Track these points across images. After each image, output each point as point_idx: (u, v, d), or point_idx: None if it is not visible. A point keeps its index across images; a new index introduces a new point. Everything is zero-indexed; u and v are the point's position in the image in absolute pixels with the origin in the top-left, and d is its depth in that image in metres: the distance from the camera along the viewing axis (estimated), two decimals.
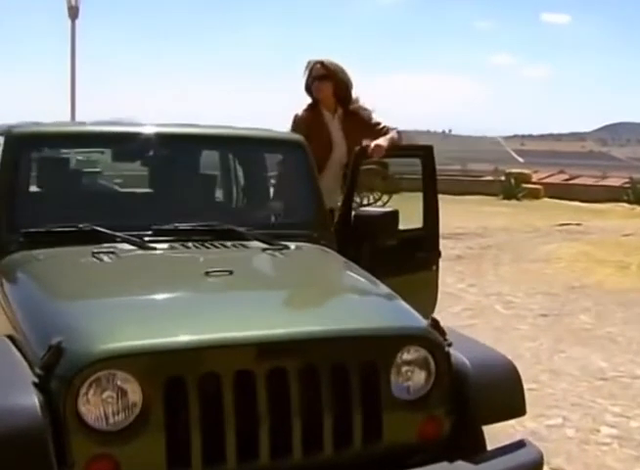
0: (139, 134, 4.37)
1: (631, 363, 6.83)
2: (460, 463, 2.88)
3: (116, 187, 5.70)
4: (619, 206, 24.58)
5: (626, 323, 8.44)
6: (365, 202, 14.40)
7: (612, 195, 26.09)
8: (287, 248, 3.88)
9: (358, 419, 2.82)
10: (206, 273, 3.29)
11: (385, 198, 18.06)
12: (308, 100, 5.33)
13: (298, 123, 5.25)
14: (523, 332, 7.96)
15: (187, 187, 4.44)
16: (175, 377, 2.62)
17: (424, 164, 5.24)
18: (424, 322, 3.10)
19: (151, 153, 4.51)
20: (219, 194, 5.07)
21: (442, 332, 3.09)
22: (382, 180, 15.30)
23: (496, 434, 4.29)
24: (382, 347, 2.94)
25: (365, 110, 5.27)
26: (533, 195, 25.94)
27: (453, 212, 15.04)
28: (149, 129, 4.37)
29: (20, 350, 2.90)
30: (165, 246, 3.78)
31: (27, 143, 4.18)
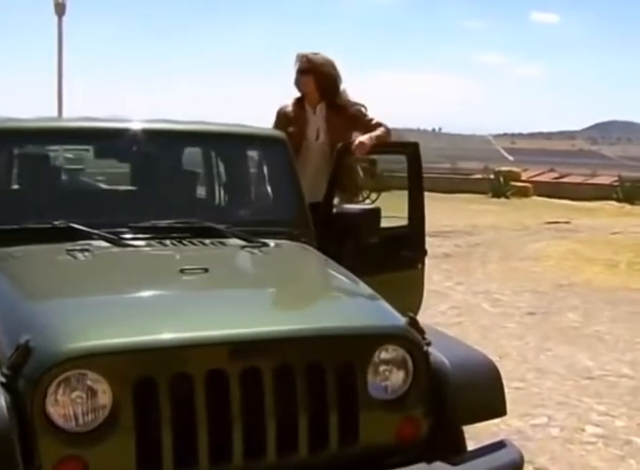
0: (118, 130, 4.30)
1: (618, 362, 6.81)
2: (438, 464, 2.83)
3: (99, 184, 5.64)
4: (609, 204, 24.65)
5: (614, 322, 8.42)
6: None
7: (601, 193, 26.17)
8: (266, 245, 3.83)
9: (334, 420, 2.76)
10: (182, 271, 3.24)
11: (373, 196, 18.04)
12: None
13: (280, 116, 5.23)
14: (509, 330, 7.93)
15: (167, 184, 4.38)
16: (146, 377, 2.56)
17: (410, 161, 5.19)
18: (402, 321, 3.04)
19: (131, 149, 4.43)
20: (200, 191, 5.00)
21: (421, 331, 3.04)
22: (370, 178, 15.25)
23: (479, 433, 4.27)
24: (358, 346, 2.88)
25: (355, 104, 5.19)
26: (522, 193, 25.99)
27: (442, 210, 15.06)
28: (128, 125, 4.29)
29: None
30: (142, 243, 3.72)
31: (2, 139, 4.11)
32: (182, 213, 3.98)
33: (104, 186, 5.53)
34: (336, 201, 4.67)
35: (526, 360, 6.77)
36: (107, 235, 3.66)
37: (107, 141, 4.40)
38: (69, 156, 6.70)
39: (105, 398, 2.55)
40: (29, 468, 2.47)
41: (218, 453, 2.62)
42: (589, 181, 30.90)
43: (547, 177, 32.12)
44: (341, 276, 3.61)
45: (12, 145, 4.34)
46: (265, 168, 4.81)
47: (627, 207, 24.24)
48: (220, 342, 2.69)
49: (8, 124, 4.30)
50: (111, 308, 2.97)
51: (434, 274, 10.66)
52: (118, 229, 3.73)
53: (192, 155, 5.11)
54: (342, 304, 3.40)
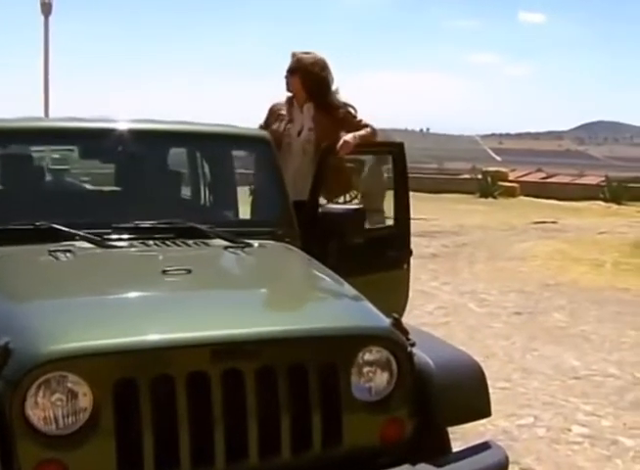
0: (103, 130, 4.28)
1: (604, 362, 6.82)
2: (423, 466, 2.81)
3: (84, 185, 5.61)
4: (596, 204, 24.72)
5: (600, 321, 8.44)
6: (341, 200, 14.33)
7: (588, 193, 26.25)
8: (250, 246, 3.80)
9: (317, 421, 2.74)
10: (164, 272, 3.21)
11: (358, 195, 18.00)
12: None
13: (270, 113, 5.22)
14: (496, 330, 7.93)
15: (152, 184, 4.35)
16: (127, 379, 2.54)
17: (395, 160, 5.18)
18: (386, 322, 3.01)
19: (115, 149, 4.40)
20: (185, 191, 4.98)
21: (405, 332, 3.01)
22: (357, 178, 15.24)
23: (466, 433, 4.27)
24: (342, 347, 2.86)
25: (344, 105, 5.15)
26: (510, 193, 26.03)
27: (429, 210, 15.05)
28: (113, 125, 4.27)
29: None
30: (125, 244, 3.70)
31: None
32: (166, 214, 3.95)
33: (88, 187, 5.50)
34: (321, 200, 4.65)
35: (513, 360, 6.77)
36: (89, 236, 3.64)
37: (91, 141, 4.37)
38: (56, 156, 6.67)
39: (85, 400, 2.52)
40: None
41: (200, 456, 2.59)
42: (576, 181, 31.00)
43: (534, 177, 32.20)
44: (324, 277, 3.59)
45: None
46: (250, 168, 4.79)
47: (614, 207, 24.31)
48: (201, 343, 2.66)
49: None
50: (92, 310, 2.94)
51: (422, 274, 10.67)
52: (102, 230, 3.71)
53: (177, 155, 5.09)
54: (326, 304, 3.38)
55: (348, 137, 4.80)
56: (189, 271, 3.22)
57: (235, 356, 2.65)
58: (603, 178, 29.68)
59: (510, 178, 29.11)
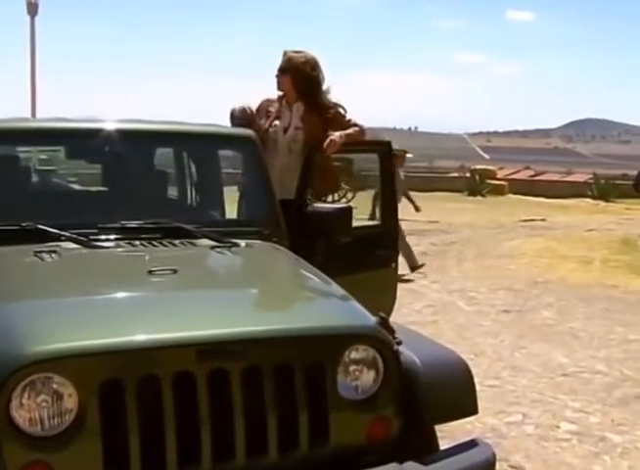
0: (89, 131, 4.26)
1: (592, 359, 6.84)
2: (410, 464, 2.80)
3: (71, 185, 5.59)
4: (584, 201, 24.83)
5: (588, 318, 8.47)
6: (330, 198, 14.32)
7: (576, 191, 26.37)
8: (236, 245, 3.79)
9: (304, 421, 2.73)
10: (150, 272, 3.20)
11: (349, 195, 18.05)
12: None
13: (257, 108, 5.20)
14: (485, 328, 7.95)
15: (138, 184, 4.34)
16: (113, 380, 2.53)
17: (381, 159, 5.18)
18: (372, 321, 3.01)
19: (102, 149, 4.39)
20: (172, 191, 4.96)
21: (391, 330, 3.01)
22: (346, 177, 15.24)
23: (454, 431, 4.27)
24: (328, 346, 2.85)
25: (335, 105, 5.13)
26: (498, 191, 26.12)
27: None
28: (99, 125, 4.25)
29: None
30: (111, 244, 3.69)
31: None
32: (153, 214, 3.94)
33: (75, 187, 5.48)
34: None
35: (501, 358, 6.79)
36: (75, 236, 3.62)
37: (78, 142, 4.36)
38: (43, 157, 6.65)
39: (71, 401, 2.51)
40: None
41: (187, 456, 2.58)
42: (564, 179, 31.14)
43: (523, 175, 32.34)
44: (311, 276, 3.59)
45: None
46: (235, 168, 4.78)
47: (602, 204, 24.43)
48: (187, 343, 2.64)
49: None
50: (77, 311, 2.92)
51: (409, 272, 10.70)
52: (88, 230, 3.70)
53: (164, 155, 5.08)
54: (312, 304, 3.37)
55: (335, 136, 4.80)
56: (175, 271, 3.21)
57: (221, 356, 2.64)
58: (591, 176, 29.84)
59: (498, 176, 29.23)
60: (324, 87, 5.14)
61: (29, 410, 2.48)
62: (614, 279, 10.93)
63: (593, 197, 25.72)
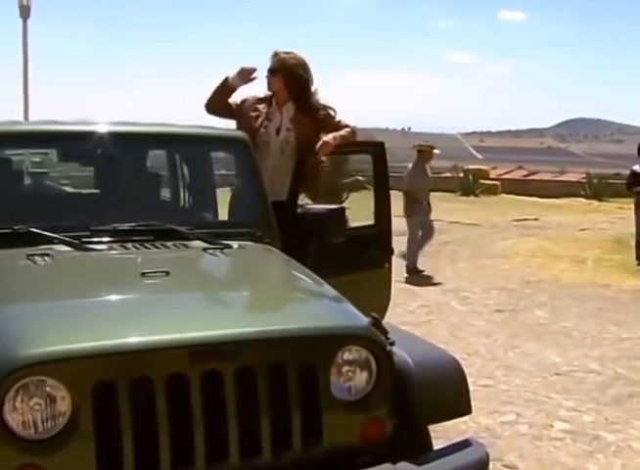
0: (81, 133, 4.26)
1: (585, 358, 6.86)
2: (403, 464, 2.81)
3: (64, 188, 5.58)
4: (577, 201, 24.85)
5: (581, 318, 8.49)
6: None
7: (569, 190, 26.39)
8: (229, 247, 3.79)
9: (297, 421, 2.74)
10: (142, 274, 3.19)
11: (343, 195, 18.02)
12: None
13: (243, 100, 5.14)
14: (478, 328, 7.97)
15: (130, 187, 4.33)
16: (106, 382, 2.53)
17: (375, 160, 5.19)
18: (365, 321, 3.01)
19: (95, 152, 4.38)
20: (164, 193, 4.96)
21: (384, 331, 3.02)
22: (340, 177, 15.23)
23: (448, 431, 4.28)
24: (321, 347, 2.85)
25: (324, 107, 5.11)
26: (491, 191, 26.13)
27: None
28: (91, 128, 4.25)
29: None
30: (104, 247, 3.69)
31: None
32: (145, 216, 3.94)
33: (68, 189, 5.47)
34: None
35: (495, 358, 6.80)
36: (67, 239, 3.62)
37: (70, 144, 4.35)
38: (36, 159, 6.64)
39: (64, 404, 2.51)
40: None
41: (180, 458, 2.58)
42: (557, 178, 31.15)
43: (516, 175, 32.34)
44: (303, 277, 3.59)
45: None
46: (228, 170, 4.77)
47: (595, 203, 24.45)
48: (180, 345, 2.64)
49: None
50: (69, 314, 2.92)
51: (404, 273, 10.71)
52: (80, 233, 3.69)
53: (156, 157, 5.08)
54: (305, 305, 3.37)
55: (328, 138, 4.80)
56: (167, 273, 3.21)
57: (214, 357, 2.64)
58: (584, 175, 29.85)
59: (491, 176, 29.23)
60: (312, 89, 5.14)
61: (23, 413, 2.48)
62: (606, 278, 10.96)
63: (586, 196, 25.73)
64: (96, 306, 3.02)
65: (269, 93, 5.15)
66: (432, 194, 11.86)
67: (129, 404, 2.53)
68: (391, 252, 5.27)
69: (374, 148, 5.31)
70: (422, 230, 11.21)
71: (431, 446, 3.12)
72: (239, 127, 4.95)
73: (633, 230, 12.36)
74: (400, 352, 3.02)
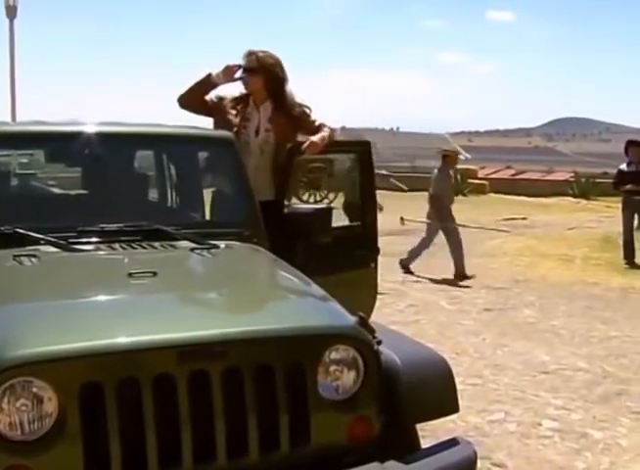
0: (68, 134, 4.25)
1: (573, 356, 6.88)
2: (391, 463, 2.81)
3: (51, 189, 5.56)
4: (565, 200, 24.95)
5: (569, 316, 8.52)
6: (312, 200, 14.33)
7: (557, 189, 26.49)
8: (216, 247, 3.79)
9: (285, 421, 2.74)
10: (129, 275, 3.18)
11: (331, 196, 18.01)
12: None
13: (221, 97, 5.12)
14: (467, 327, 7.98)
15: (118, 187, 4.32)
16: (93, 383, 2.52)
17: (361, 160, 5.19)
18: (352, 320, 3.01)
19: (82, 152, 4.37)
20: (152, 193, 4.95)
21: (371, 330, 3.02)
22: (327, 178, 15.21)
23: (436, 429, 4.29)
24: (308, 346, 2.85)
25: (300, 105, 5.12)
26: (479, 190, 26.18)
27: (401, 209, 15.10)
28: (78, 128, 4.24)
29: None
30: (91, 247, 3.68)
31: None
32: (133, 216, 3.93)
33: (55, 190, 5.45)
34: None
35: (483, 357, 6.82)
36: (54, 240, 3.61)
37: (57, 145, 4.34)
38: (23, 160, 6.62)
39: (51, 405, 2.50)
40: None
41: (168, 458, 2.58)
42: (545, 178, 31.24)
43: (504, 174, 32.39)
44: (291, 277, 3.59)
45: None
46: (215, 170, 4.76)
47: (583, 202, 24.55)
48: (167, 346, 2.64)
49: None
50: (56, 315, 2.91)
51: (394, 272, 10.72)
52: (67, 233, 3.68)
53: (144, 157, 5.06)
54: (292, 304, 3.37)
55: (317, 138, 4.79)
56: (155, 274, 3.20)
57: (201, 358, 2.64)
58: (572, 174, 29.96)
59: (479, 176, 29.28)
60: (287, 87, 5.12)
61: (9, 415, 2.47)
62: (594, 277, 11.00)
63: (574, 195, 25.84)
64: (83, 307, 3.01)
65: (244, 92, 5.12)
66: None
67: (116, 405, 2.52)
68: (377, 251, 5.28)
69: (360, 147, 5.32)
70: (445, 234, 11.24)
71: (419, 444, 3.12)
72: (217, 124, 4.95)
73: (621, 229, 12.40)
74: (388, 352, 3.02)
